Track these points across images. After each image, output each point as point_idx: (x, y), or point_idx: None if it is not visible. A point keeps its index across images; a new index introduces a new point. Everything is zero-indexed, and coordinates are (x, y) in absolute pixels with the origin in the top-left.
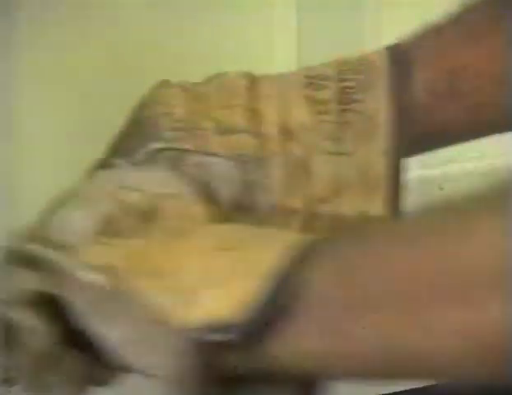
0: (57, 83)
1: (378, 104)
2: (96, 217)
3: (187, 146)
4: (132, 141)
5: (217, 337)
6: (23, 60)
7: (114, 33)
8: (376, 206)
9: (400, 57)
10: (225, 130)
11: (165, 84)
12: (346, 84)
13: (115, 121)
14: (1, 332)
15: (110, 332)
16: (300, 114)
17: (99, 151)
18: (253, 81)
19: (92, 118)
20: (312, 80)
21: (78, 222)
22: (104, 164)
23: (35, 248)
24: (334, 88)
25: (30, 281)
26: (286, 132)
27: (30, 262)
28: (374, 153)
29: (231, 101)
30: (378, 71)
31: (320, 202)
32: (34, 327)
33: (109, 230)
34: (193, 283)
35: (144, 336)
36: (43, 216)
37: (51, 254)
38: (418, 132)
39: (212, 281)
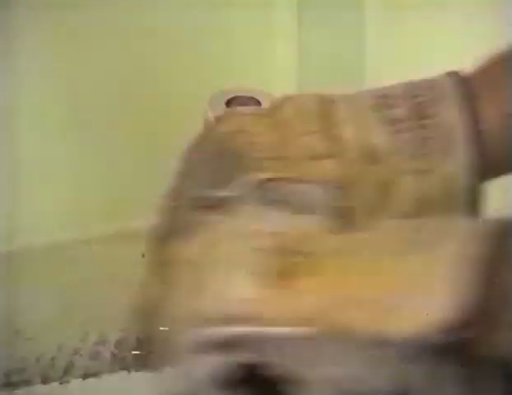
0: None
1: (453, 118)
2: (254, 279)
3: (281, 175)
4: (217, 174)
5: (451, 338)
6: (23, 60)
7: (115, 33)
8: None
9: (464, 81)
10: (310, 157)
11: (232, 113)
12: (419, 99)
13: (114, 126)
14: None
15: (331, 374)
16: (379, 136)
17: (97, 155)
18: (325, 104)
19: (91, 117)
20: (381, 100)
21: (241, 290)
22: (190, 203)
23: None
24: (406, 105)
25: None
26: (367, 156)
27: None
28: (455, 167)
29: (309, 127)
30: (445, 88)
31: None
32: None
33: (271, 279)
34: (394, 292)
35: (364, 365)
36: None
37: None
38: (497, 153)
39: (413, 286)
